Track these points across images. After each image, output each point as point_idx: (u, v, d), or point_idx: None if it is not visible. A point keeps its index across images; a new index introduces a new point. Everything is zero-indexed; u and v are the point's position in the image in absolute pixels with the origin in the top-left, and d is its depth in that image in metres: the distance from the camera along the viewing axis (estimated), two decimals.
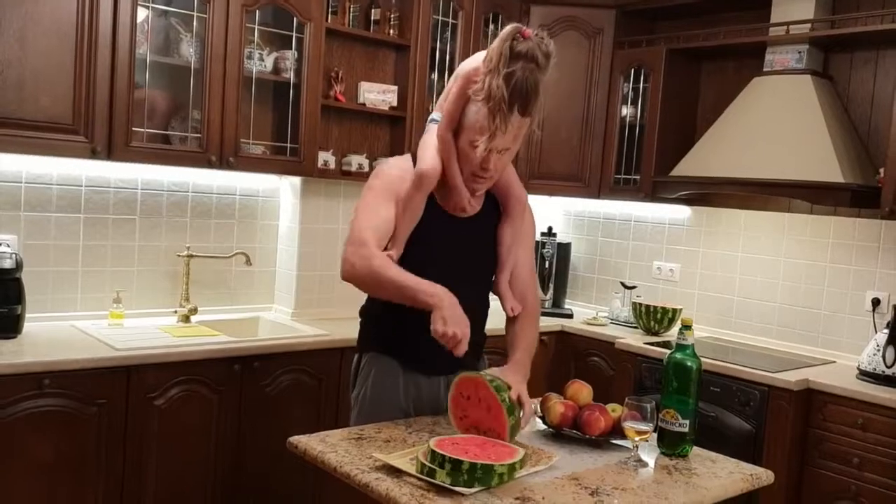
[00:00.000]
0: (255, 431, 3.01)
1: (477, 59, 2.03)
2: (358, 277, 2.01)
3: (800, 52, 3.52)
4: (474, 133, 1.98)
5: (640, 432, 1.89)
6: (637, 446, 1.93)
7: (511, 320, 2.22)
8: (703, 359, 2.10)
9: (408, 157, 2.16)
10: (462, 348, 1.90)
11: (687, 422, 1.98)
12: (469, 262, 2.17)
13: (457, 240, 2.14)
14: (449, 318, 1.89)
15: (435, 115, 2.17)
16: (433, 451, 1.65)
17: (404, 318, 2.05)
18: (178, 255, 3.34)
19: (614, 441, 2.03)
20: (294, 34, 3.32)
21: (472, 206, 2.14)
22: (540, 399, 2.18)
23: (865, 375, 3.14)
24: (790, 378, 3.12)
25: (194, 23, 3.06)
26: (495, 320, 2.29)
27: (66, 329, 2.98)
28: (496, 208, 2.21)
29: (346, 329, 3.26)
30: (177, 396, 2.81)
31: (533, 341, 2.19)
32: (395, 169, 2.12)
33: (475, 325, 2.27)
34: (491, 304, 2.30)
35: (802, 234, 3.70)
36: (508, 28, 1.96)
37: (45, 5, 2.67)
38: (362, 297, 2.36)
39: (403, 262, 2.03)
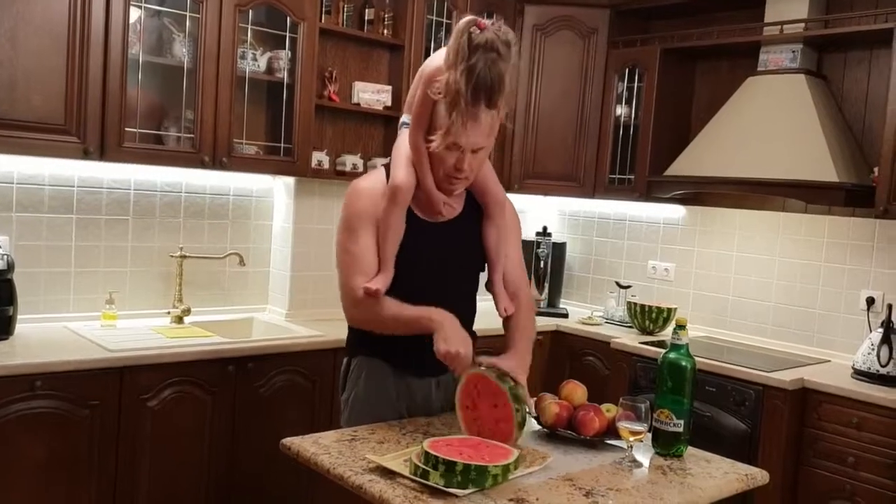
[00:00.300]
0: (248, 433, 3.00)
1: (438, 58, 2.00)
2: (364, 325, 2.11)
3: (794, 52, 3.52)
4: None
5: (634, 432, 1.89)
6: (632, 446, 1.92)
7: (508, 318, 2.21)
8: (697, 358, 2.09)
9: (381, 171, 2.14)
10: (463, 365, 1.93)
11: (682, 422, 1.97)
12: (452, 266, 2.17)
13: (438, 245, 2.13)
14: (450, 337, 1.93)
15: (405, 118, 2.15)
16: (427, 453, 1.64)
17: None
18: (172, 256, 3.33)
19: (609, 441, 2.02)
20: (288, 34, 3.31)
21: (449, 209, 2.13)
22: (535, 399, 2.17)
23: (860, 374, 3.14)
24: (785, 377, 3.12)
25: (187, 23, 3.04)
26: (488, 320, 2.28)
27: (58, 330, 2.97)
28: (477, 209, 2.19)
29: (340, 330, 3.18)
30: (170, 398, 2.80)
31: (532, 332, 2.19)
32: (366, 194, 2.07)
33: (467, 327, 2.28)
34: (478, 305, 2.30)
35: (797, 234, 3.70)
36: (463, 21, 1.90)
37: (36, 5, 2.65)
38: None
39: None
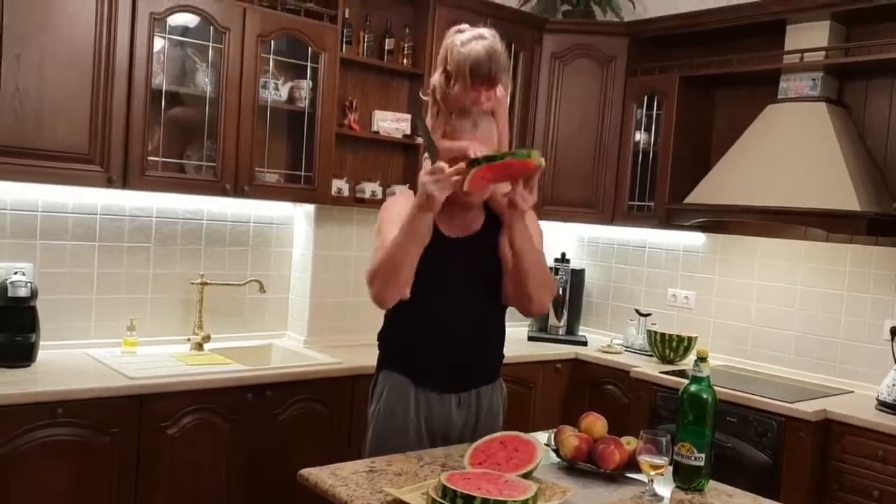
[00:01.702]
0: (267, 461, 2.99)
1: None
2: (387, 287, 2.06)
3: (814, 80, 3.51)
4: (453, 137, 2.14)
5: (655, 466, 1.87)
6: (652, 480, 1.90)
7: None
8: (718, 388, 2.08)
9: (411, 193, 2.24)
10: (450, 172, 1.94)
11: (703, 455, 1.95)
12: (477, 282, 2.21)
13: (463, 261, 2.18)
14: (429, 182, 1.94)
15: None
16: (444, 486, 1.63)
17: (415, 338, 2.17)
18: (192, 283, 3.35)
19: (629, 475, 2.00)
20: (309, 64, 3.35)
21: (469, 223, 2.23)
22: (554, 431, 2.16)
23: (885, 406, 3.09)
24: (807, 408, 3.07)
25: (210, 53, 3.09)
26: (513, 347, 2.28)
27: (79, 357, 2.99)
28: (495, 227, 2.22)
29: (359, 356, 3.25)
30: (189, 425, 2.80)
31: (538, 254, 2.18)
32: (401, 201, 2.22)
33: (489, 346, 2.31)
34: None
35: (819, 263, 3.67)
36: (448, 31, 2.20)
37: (62, 36, 2.70)
38: (375, 325, 2.39)
39: (413, 287, 2.09)
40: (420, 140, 2.38)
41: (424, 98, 2.30)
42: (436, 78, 2.22)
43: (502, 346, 2.36)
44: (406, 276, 2.05)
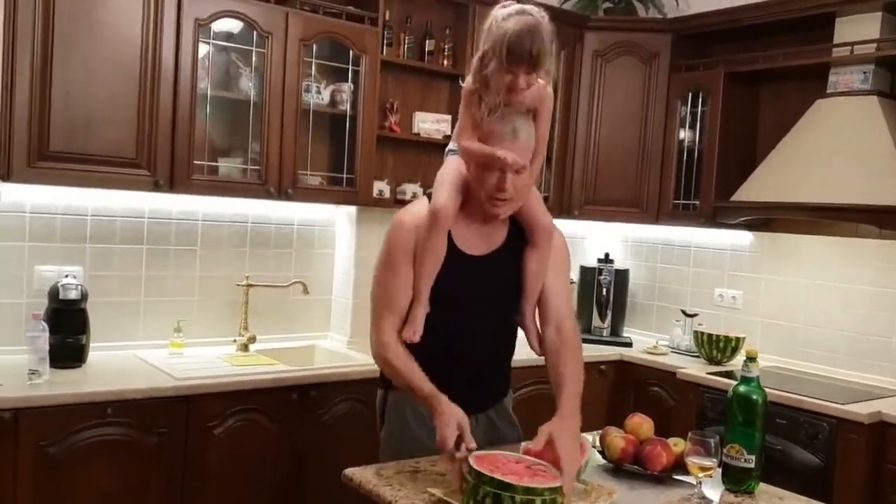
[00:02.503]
0: (311, 461, 3.01)
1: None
2: (380, 366, 2.08)
3: (865, 73, 3.42)
4: (488, 142, 1.91)
5: (703, 468, 1.83)
6: (700, 482, 1.86)
7: (551, 355, 2.05)
8: (767, 389, 2.03)
9: (424, 200, 2.07)
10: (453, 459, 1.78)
11: (753, 457, 1.91)
12: (492, 299, 2.08)
13: (480, 279, 2.05)
14: (445, 425, 1.81)
15: (452, 145, 2.10)
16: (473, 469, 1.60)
17: (429, 359, 1.99)
18: (238, 285, 3.39)
19: (677, 477, 1.97)
20: (350, 67, 3.37)
21: (489, 241, 2.06)
22: (599, 432, 2.13)
23: None
24: (861, 410, 2.99)
25: (253, 57, 3.13)
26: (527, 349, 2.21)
27: (128, 358, 3.04)
28: (520, 241, 2.09)
29: None
30: (235, 426, 2.83)
31: (578, 378, 1.99)
32: (408, 228, 2.00)
33: (500, 363, 2.22)
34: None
35: (871, 260, 3.57)
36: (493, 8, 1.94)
37: (110, 43, 2.76)
38: None
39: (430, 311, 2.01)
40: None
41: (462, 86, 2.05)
42: (473, 63, 1.98)
43: (511, 358, 2.25)
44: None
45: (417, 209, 2.04)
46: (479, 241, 2.05)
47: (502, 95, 1.91)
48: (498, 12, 1.91)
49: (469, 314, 2.05)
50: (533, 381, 3.33)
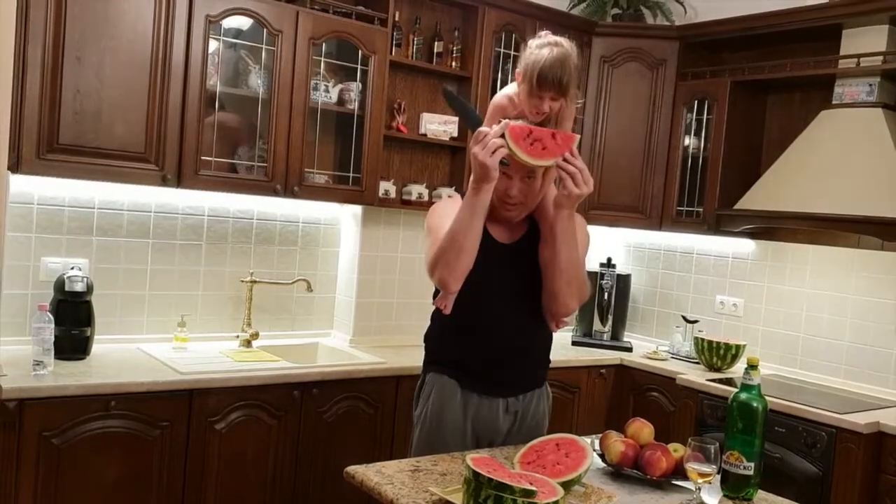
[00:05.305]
0: (312, 458, 3.03)
1: (508, 89, 2.15)
2: (447, 274, 2.06)
3: (871, 85, 3.44)
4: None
5: (703, 474, 1.85)
6: (700, 488, 1.88)
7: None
8: (767, 397, 2.04)
9: (458, 197, 2.24)
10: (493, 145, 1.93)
11: (752, 464, 1.93)
12: (525, 286, 2.20)
13: (511, 265, 2.19)
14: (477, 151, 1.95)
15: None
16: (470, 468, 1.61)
17: (461, 339, 2.19)
18: (242, 281, 3.40)
19: (676, 482, 1.99)
20: (359, 66, 3.38)
21: (511, 232, 2.22)
22: (600, 436, 2.15)
23: None
24: (859, 420, 3.01)
25: (263, 55, 3.14)
26: (557, 351, 2.28)
27: (132, 351, 3.06)
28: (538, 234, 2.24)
29: (403, 357, 3.29)
30: (237, 421, 2.85)
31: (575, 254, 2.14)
32: (448, 202, 2.24)
33: (536, 352, 2.32)
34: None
35: (872, 272, 3.59)
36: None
37: (122, 39, 2.78)
38: (420, 326, 2.41)
39: (461, 291, 2.10)
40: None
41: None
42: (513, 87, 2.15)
43: (549, 351, 2.36)
44: (468, 257, 2.03)
45: (454, 199, 2.26)
46: (505, 232, 2.22)
47: (532, 116, 2.06)
48: (533, 42, 2.08)
49: (498, 295, 2.18)
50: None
